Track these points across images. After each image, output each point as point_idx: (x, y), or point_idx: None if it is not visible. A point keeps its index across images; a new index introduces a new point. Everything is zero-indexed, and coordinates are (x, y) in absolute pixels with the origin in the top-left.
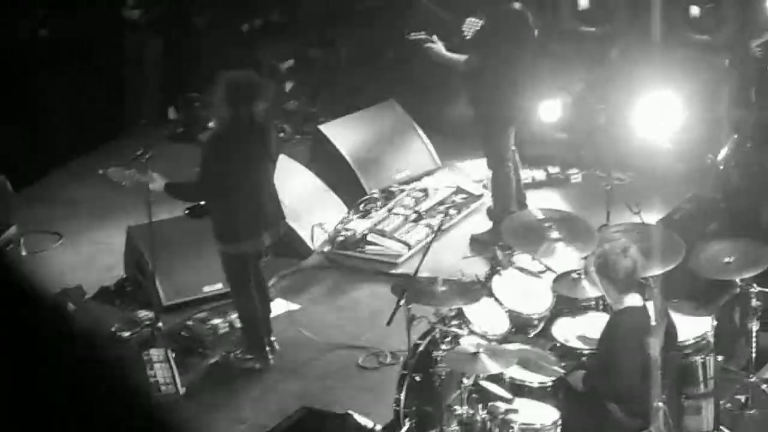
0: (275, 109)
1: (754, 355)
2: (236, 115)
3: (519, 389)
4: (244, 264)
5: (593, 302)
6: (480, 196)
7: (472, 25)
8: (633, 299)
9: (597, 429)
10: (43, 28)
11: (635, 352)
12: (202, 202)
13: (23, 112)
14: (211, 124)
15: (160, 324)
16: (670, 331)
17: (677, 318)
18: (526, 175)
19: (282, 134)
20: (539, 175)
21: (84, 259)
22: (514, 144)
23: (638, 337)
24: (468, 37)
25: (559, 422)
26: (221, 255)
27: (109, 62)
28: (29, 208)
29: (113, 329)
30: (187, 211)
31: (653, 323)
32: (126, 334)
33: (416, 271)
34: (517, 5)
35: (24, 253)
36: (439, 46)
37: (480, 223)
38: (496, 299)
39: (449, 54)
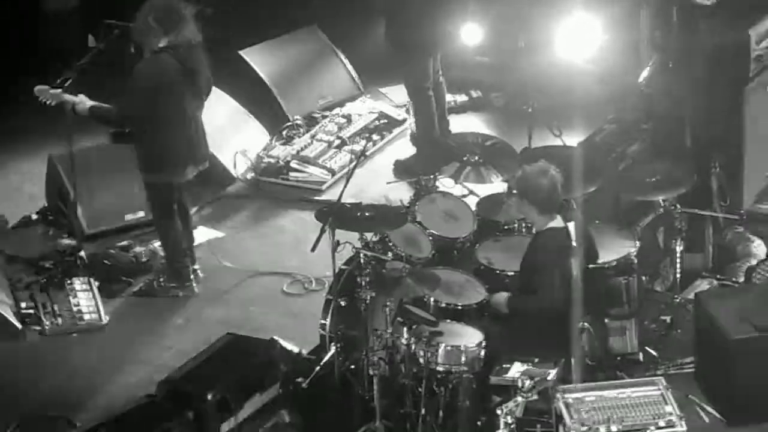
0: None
1: (678, 275)
2: (165, 43)
3: (443, 312)
4: (170, 193)
5: (516, 225)
6: (403, 121)
7: None
8: (554, 221)
9: (520, 349)
10: None
11: (556, 270)
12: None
13: None
14: (132, 50)
15: (82, 253)
16: (591, 252)
17: (600, 240)
18: (449, 99)
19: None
20: (461, 98)
21: (6, 188)
22: (440, 69)
23: (559, 255)
24: None
25: (484, 344)
26: (145, 184)
27: None
28: None
29: (37, 257)
30: (110, 134)
31: (574, 244)
32: (49, 263)
33: (340, 197)
34: None
35: None
36: None
37: (404, 148)
38: (420, 224)
39: None
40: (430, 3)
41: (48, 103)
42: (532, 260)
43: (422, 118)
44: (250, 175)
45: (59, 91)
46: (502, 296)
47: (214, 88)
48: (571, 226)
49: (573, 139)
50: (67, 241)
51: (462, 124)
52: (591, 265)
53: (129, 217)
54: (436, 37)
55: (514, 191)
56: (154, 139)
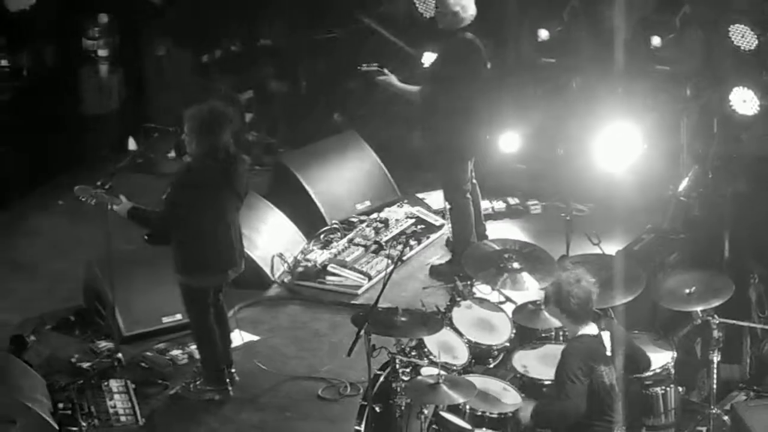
0: (235, 140)
1: (715, 386)
2: (205, 148)
3: (479, 420)
4: (205, 296)
5: (553, 333)
6: (440, 227)
7: (430, 60)
8: (588, 329)
9: None
10: (2, 59)
11: (583, 377)
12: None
13: None
14: (170, 155)
15: (119, 355)
16: (640, 362)
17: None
18: (486, 205)
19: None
20: (499, 205)
21: (44, 289)
22: (474, 176)
23: (588, 363)
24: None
25: None
26: (182, 287)
27: (69, 92)
28: None
29: (73, 359)
30: (146, 237)
31: (608, 352)
32: (86, 364)
33: (376, 302)
34: (468, 35)
35: None
36: (391, 78)
37: (440, 253)
38: (456, 330)
39: (402, 85)
40: (465, 109)
41: (88, 202)
42: (561, 365)
43: (459, 221)
44: (287, 279)
45: (99, 190)
46: (528, 407)
47: (252, 192)
48: (606, 335)
49: (611, 248)
50: (104, 343)
51: (500, 230)
52: (642, 374)
53: (166, 319)
54: (472, 142)
55: (549, 299)
56: (191, 242)
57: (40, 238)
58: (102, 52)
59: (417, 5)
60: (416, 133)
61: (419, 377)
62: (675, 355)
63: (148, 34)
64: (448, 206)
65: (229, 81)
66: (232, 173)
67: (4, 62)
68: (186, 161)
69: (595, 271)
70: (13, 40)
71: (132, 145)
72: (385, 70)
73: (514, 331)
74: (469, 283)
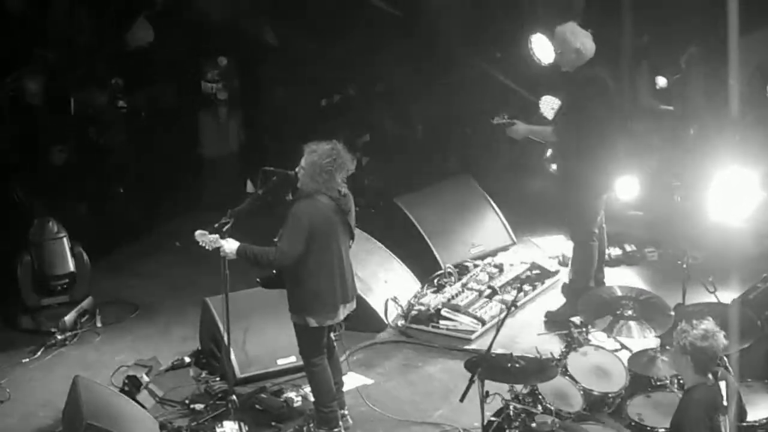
0: (351, 182)
1: None
2: (324, 187)
3: None
4: (320, 336)
5: (667, 381)
6: (556, 273)
7: (548, 103)
8: (705, 378)
9: None
10: (121, 99)
11: (702, 427)
12: (274, 272)
13: (101, 183)
14: (289, 197)
15: (234, 396)
16: (740, 411)
17: (750, 398)
18: None
19: (357, 208)
20: (616, 252)
21: (159, 330)
22: (604, 220)
23: (708, 414)
24: (545, 114)
25: None
26: (296, 327)
27: (188, 134)
28: (105, 279)
29: (187, 401)
30: (258, 281)
31: (725, 402)
32: (200, 406)
33: (490, 347)
34: (594, 69)
35: (99, 324)
36: (523, 126)
37: (555, 299)
38: (571, 377)
39: (536, 128)
40: (600, 143)
41: (206, 248)
42: (680, 415)
43: (581, 263)
44: (400, 322)
45: (217, 236)
46: None
47: (367, 235)
48: (723, 384)
49: (727, 297)
50: (219, 385)
51: (616, 277)
52: (740, 424)
53: (281, 361)
54: (608, 176)
55: (670, 347)
56: (305, 279)
57: (157, 278)
58: (221, 95)
59: (534, 51)
60: (533, 178)
61: (533, 424)
62: None
63: (268, 78)
64: (572, 248)
65: (346, 125)
66: (344, 210)
67: (121, 103)
68: (298, 199)
69: (710, 319)
70: (132, 81)
71: (250, 187)
72: (515, 121)
73: (629, 378)
74: (584, 329)
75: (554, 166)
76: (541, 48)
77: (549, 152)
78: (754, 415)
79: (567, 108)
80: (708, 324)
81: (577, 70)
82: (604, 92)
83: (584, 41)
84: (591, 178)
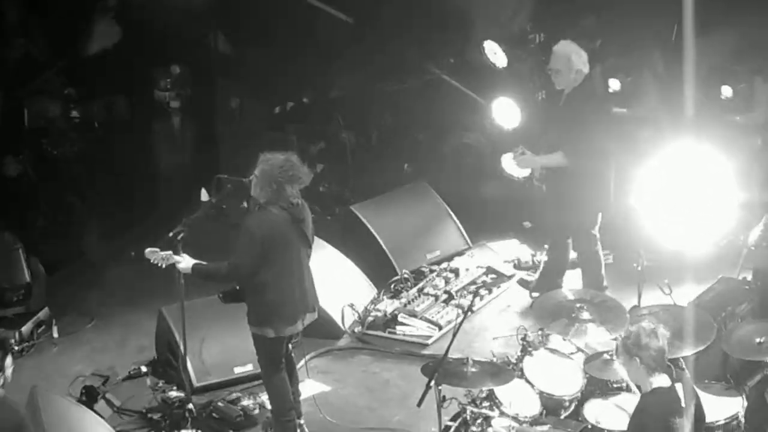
0: (307, 190)
1: None
2: (274, 198)
3: None
4: (279, 347)
5: (624, 384)
6: (511, 276)
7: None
8: (661, 380)
9: None
10: (74, 110)
11: (661, 431)
12: (237, 287)
13: (56, 194)
14: (243, 206)
15: (190, 405)
16: (698, 413)
17: (708, 399)
18: None
19: (313, 216)
20: (571, 255)
21: (116, 340)
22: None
23: (665, 417)
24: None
25: None
26: (255, 338)
27: (141, 142)
28: (61, 290)
29: (144, 410)
30: (220, 296)
31: (683, 404)
32: (157, 415)
33: (446, 352)
34: (587, 83)
35: (56, 335)
36: (530, 156)
37: (511, 302)
38: (528, 380)
39: (544, 159)
40: (603, 153)
41: (159, 265)
42: (639, 420)
43: (592, 266)
44: (357, 329)
45: (170, 253)
46: None
47: (323, 242)
48: (679, 386)
49: (683, 298)
50: (175, 394)
51: (572, 280)
52: (698, 427)
53: (238, 370)
54: (610, 185)
55: (621, 352)
56: (264, 292)
57: (113, 289)
58: (174, 104)
59: (488, 56)
60: (487, 184)
61: (490, 428)
62: (745, 404)
63: (221, 86)
64: (579, 255)
65: (300, 132)
66: (299, 220)
67: (75, 113)
68: (252, 210)
69: (666, 321)
70: (85, 91)
71: (204, 196)
72: (525, 150)
73: (585, 381)
74: (539, 333)
75: (544, 187)
76: (494, 53)
77: (536, 172)
78: (712, 416)
79: (571, 128)
80: (645, 323)
81: (574, 89)
82: (602, 105)
83: (585, 60)
84: (597, 194)
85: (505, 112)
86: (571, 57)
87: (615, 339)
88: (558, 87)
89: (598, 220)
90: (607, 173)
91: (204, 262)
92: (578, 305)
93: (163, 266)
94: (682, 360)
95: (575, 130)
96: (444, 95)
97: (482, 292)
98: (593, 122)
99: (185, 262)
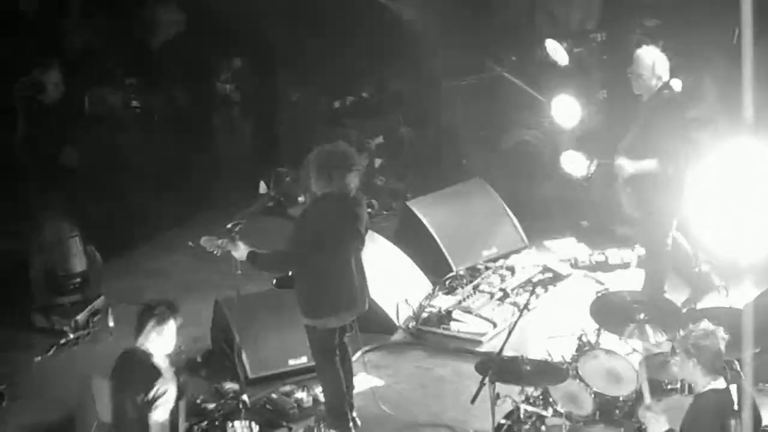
0: (364, 184)
1: None
2: (328, 188)
3: None
4: (331, 338)
5: (679, 385)
6: (568, 276)
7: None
8: (716, 382)
9: None
10: (134, 100)
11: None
12: (290, 273)
13: (114, 183)
14: (301, 199)
15: (244, 396)
16: (754, 416)
17: (764, 402)
18: (615, 254)
19: (370, 210)
20: (627, 255)
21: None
22: None
23: (719, 418)
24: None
25: None
26: (308, 329)
27: (201, 134)
28: (118, 279)
29: (198, 401)
30: (274, 282)
31: (736, 406)
32: (211, 405)
33: (501, 350)
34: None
35: (111, 323)
36: (627, 162)
37: (567, 302)
38: (582, 380)
39: (639, 164)
40: (686, 153)
41: (215, 253)
42: (692, 421)
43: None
44: (411, 324)
45: (225, 241)
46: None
47: (379, 236)
48: (734, 388)
49: (740, 300)
50: (230, 385)
51: (629, 280)
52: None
53: (292, 362)
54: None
55: (677, 351)
56: (316, 282)
57: (169, 278)
58: (234, 96)
59: (549, 54)
60: (545, 181)
61: (543, 427)
62: None
63: (281, 80)
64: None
65: (359, 127)
66: (354, 213)
67: (135, 103)
68: (308, 202)
69: (722, 323)
70: (145, 82)
71: (263, 188)
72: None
73: (640, 382)
74: (595, 332)
75: (628, 189)
76: (555, 51)
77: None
78: None
79: (657, 134)
80: (704, 323)
81: (654, 95)
82: (683, 111)
83: (666, 69)
84: (677, 200)
85: (565, 110)
86: (655, 63)
87: (671, 340)
88: (637, 92)
89: (674, 225)
90: (685, 179)
91: (259, 251)
92: (635, 306)
93: (219, 254)
94: (736, 362)
95: (661, 136)
96: (504, 93)
97: (538, 290)
98: (677, 128)
99: (241, 250)
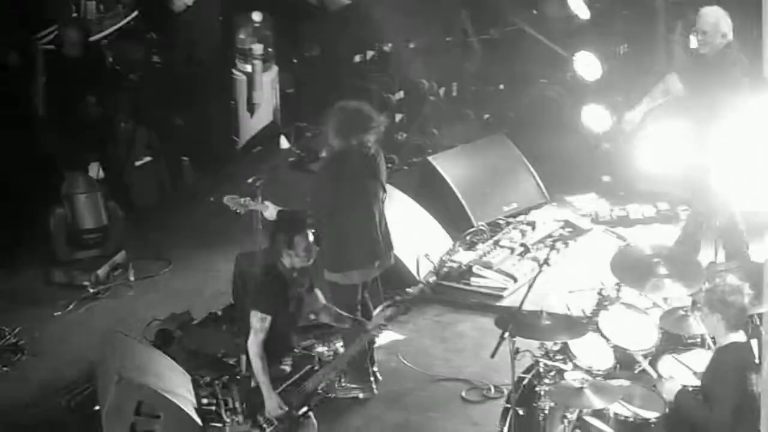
0: (385, 140)
1: None
2: (347, 145)
3: (623, 425)
4: (354, 294)
5: (699, 339)
6: (588, 230)
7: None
8: (738, 335)
9: None
10: (156, 55)
11: (735, 388)
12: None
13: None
14: (322, 154)
15: None
16: None
17: None
18: (636, 209)
19: (390, 165)
20: (648, 210)
21: (192, 285)
22: None
23: (739, 372)
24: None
25: None
26: (329, 284)
27: (222, 89)
28: (138, 234)
29: (219, 355)
30: None
31: (757, 360)
32: (232, 360)
33: (521, 304)
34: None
35: (132, 278)
36: None
37: (587, 256)
38: (602, 334)
39: None
40: None
41: (237, 211)
42: (713, 374)
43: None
44: (432, 279)
45: (248, 199)
46: (674, 387)
47: (400, 192)
48: (754, 342)
49: (760, 255)
50: None
51: (650, 236)
52: None
53: (313, 316)
54: None
55: (701, 305)
56: (337, 236)
57: (190, 234)
58: (256, 50)
59: (571, 7)
60: (566, 138)
61: (563, 381)
62: None
63: (302, 34)
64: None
65: (380, 81)
66: (374, 168)
67: (156, 58)
68: (326, 157)
69: (742, 277)
70: (166, 36)
71: (284, 143)
72: None
73: (660, 336)
74: (615, 287)
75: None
76: (577, 5)
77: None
78: None
79: (720, 93)
80: (731, 278)
81: (717, 54)
82: (745, 71)
83: (731, 28)
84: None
85: (587, 64)
86: (720, 21)
87: (692, 294)
88: (702, 51)
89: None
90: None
91: (287, 209)
92: (655, 260)
93: (242, 212)
94: (756, 316)
95: (725, 96)
96: (526, 47)
97: (558, 245)
98: (740, 87)
99: (270, 209)
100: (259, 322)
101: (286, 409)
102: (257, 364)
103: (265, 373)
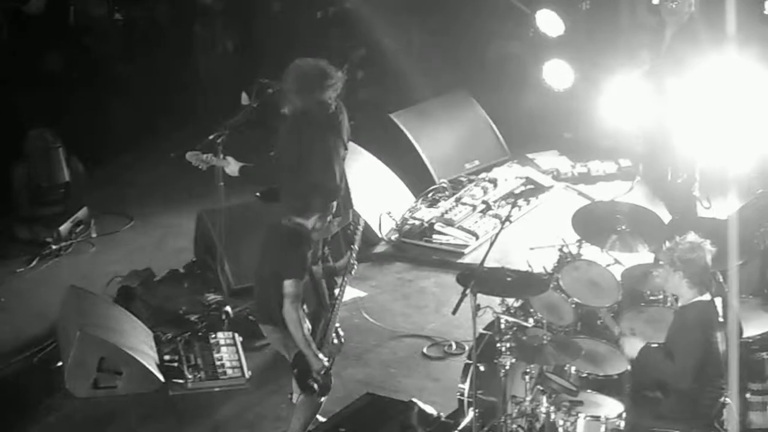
0: (347, 97)
1: None
2: (308, 103)
3: (584, 381)
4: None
5: (661, 296)
6: (550, 187)
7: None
8: (701, 293)
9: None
10: (117, 12)
11: (699, 346)
12: (274, 186)
13: (97, 95)
14: (284, 111)
15: (228, 308)
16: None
17: (745, 314)
18: (597, 167)
19: (352, 122)
20: (610, 167)
21: (154, 241)
22: None
23: (703, 330)
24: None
25: (624, 414)
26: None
27: (183, 46)
28: (101, 190)
29: (181, 311)
30: (258, 195)
31: (720, 318)
32: (194, 316)
33: (483, 261)
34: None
35: (94, 234)
36: None
37: (549, 213)
38: (563, 291)
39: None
40: None
41: (199, 167)
42: (677, 332)
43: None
44: (394, 236)
45: (211, 155)
46: (637, 344)
47: (362, 149)
48: (718, 300)
49: (722, 212)
50: (213, 296)
51: (611, 192)
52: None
53: None
54: None
55: (663, 262)
56: (299, 192)
57: (152, 190)
58: (216, 7)
59: None
60: (529, 95)
61: (524, 337)
62: None
63: None
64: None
65: (341, 37)
66: (336, 125)
67: (118, 15)
68: (288, 115)
69: (705, 234)
70: None
71: (245, 100)
72: None
73: (621, 293)
74: (577, 244)
75: None
76: None
77: None
78: (749, 331)
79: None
80: (692, 236)
81: (684, 24)
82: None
83: None
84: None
85: (549, 21)
86: None
87: (654, 251)
88: (666, 17)
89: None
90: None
91: (250, 165)
92: (617, 217)
93: (204, 168)
94: (719, 274)
95: (687, 50)
96: (488, 2)
97: (520, 202)
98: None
99: (232, 165)
100: (295, 288)
101: (330, 360)
102: (299, 331)
103: (307, 336)
